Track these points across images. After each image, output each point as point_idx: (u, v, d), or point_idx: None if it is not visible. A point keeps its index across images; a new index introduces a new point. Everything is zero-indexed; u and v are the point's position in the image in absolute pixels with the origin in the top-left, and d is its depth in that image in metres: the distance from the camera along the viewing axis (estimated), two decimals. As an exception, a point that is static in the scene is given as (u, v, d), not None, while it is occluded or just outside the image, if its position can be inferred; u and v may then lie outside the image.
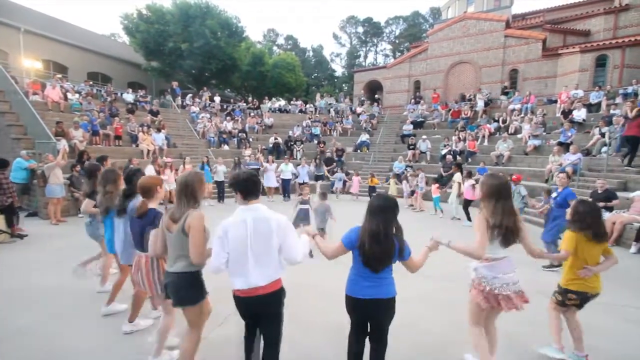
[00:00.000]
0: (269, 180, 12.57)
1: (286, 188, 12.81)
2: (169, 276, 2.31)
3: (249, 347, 2.29)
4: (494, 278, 2.45)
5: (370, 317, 2.25)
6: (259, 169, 12.78)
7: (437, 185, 10.19)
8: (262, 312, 2.18)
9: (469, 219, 8.50)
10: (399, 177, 12.53)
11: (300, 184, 12.92)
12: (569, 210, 2.94)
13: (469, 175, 9.02)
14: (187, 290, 2.30)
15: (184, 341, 2.42)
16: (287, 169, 12.82)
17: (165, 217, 2.34)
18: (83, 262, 4.09)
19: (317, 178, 13.76)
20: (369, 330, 2.31)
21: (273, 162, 13.09)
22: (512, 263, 2.52)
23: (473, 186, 8.52)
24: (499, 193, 2.41)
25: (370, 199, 2.32)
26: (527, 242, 2.50)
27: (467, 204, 8.74)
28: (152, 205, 2.69)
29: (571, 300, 2.80)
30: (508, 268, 2.48)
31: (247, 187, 2.16)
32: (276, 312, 2.21)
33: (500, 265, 2.47)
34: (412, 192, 11.01)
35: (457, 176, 9.36)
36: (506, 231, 2.37)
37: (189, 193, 2.28)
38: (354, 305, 2.23)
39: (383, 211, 2.17)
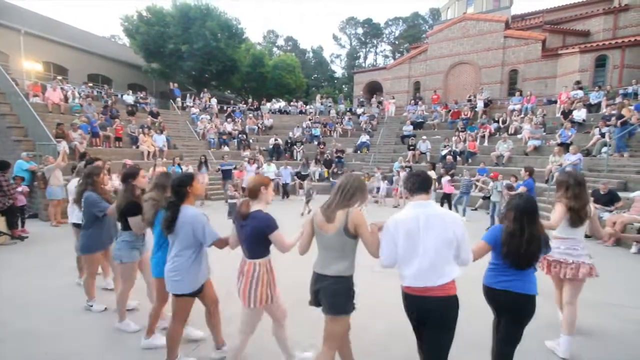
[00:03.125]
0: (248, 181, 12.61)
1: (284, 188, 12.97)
2: (323, 280, 2.16)
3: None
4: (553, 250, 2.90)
5: (502, 309, 2.32)
6: (232, 169, 12.31)
7: None
8: (431, 317, 1.98)
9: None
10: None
11: (283, 184, 12.96)
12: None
13: (447, 171, 10.21)
14: (343, 297, 2.12)
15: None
16: (269, 170, 13.04)
17: (317, 217, 2.23)
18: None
19: (303, 177, 13.70)
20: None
21: (254, 163, 13.13)
22: (578, 242, 3.01)
23: (449, 181, 9.81)
24: (568, 185, 2.93)
25: (511, 200, 2.40)
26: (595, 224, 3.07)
27: (445, 197, 9.62)
28: (259, 207, 2.45)
29: None
30: (573, 245, 2.99)
31: (417, 182, 2.15)
32: (447, 321, 1.98)
33: (565, 243, 2.99)
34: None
35: (432, 173, 10.14)
36: (574, 214, 2.88)
37: (348, 195, 2.18)
38: (487, 295, 2.38)
39: (532, 212, 2.24)
